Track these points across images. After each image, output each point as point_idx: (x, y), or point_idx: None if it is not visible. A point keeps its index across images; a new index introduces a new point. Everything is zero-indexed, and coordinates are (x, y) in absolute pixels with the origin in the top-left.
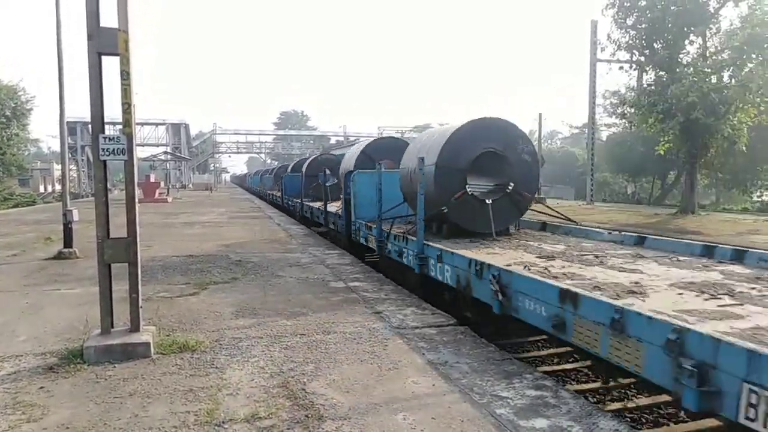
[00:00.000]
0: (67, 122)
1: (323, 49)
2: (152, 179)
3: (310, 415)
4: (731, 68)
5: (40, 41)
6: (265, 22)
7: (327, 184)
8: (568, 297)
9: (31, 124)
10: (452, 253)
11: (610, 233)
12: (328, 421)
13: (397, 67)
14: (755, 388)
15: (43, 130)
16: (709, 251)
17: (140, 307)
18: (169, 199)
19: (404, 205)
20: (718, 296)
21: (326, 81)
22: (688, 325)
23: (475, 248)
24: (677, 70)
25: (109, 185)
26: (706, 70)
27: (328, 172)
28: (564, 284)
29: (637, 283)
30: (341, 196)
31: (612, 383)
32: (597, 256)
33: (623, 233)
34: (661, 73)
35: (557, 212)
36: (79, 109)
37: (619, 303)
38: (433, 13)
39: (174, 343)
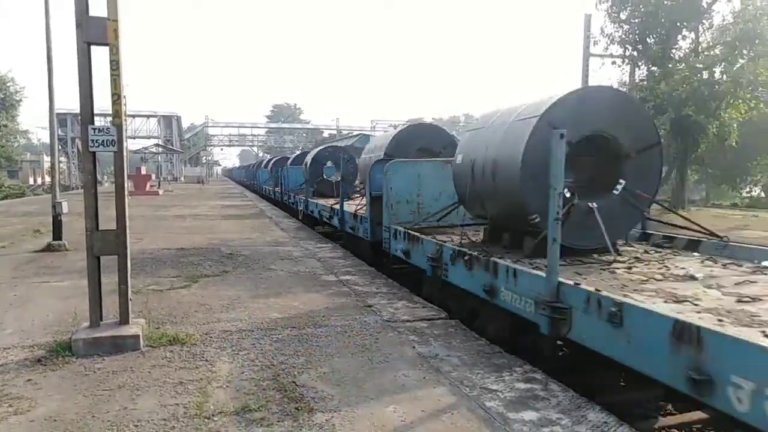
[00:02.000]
0: (57, 113)
1: (316, 42)
2: (143, 172)
3: (300, 408)
4: (723, 64)
5: (30, 31)
6: (257, 14)
7: None
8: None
9: (20, 115)
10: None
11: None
12: (319, 414)
13: (390, 60)
14: None
15: (33, 121)
16: None
17: (129, 300)
18: (161, 192)
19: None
20: None
21: (319, 74)
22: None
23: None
24: (669, 65)
25: (99, 177)
26: (698, 65)
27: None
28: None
29: None
30: None
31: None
32: None
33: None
34: (653, 68)
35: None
36: (70, 101)
37: None
38: (426, 4)
39: (164, 335)
